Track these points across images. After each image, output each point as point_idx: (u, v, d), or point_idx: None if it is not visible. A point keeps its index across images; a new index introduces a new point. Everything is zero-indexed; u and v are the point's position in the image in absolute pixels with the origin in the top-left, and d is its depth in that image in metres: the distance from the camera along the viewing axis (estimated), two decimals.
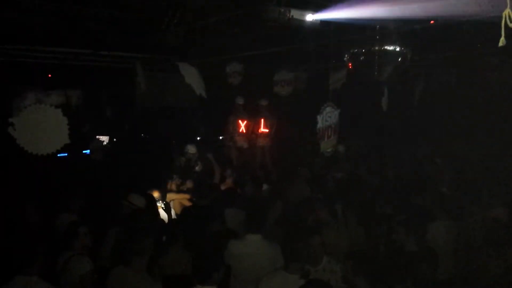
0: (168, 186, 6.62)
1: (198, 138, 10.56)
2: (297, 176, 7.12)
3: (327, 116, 6.43)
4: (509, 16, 2.65)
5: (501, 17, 2.69)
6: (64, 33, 6.80)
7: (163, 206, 5.86)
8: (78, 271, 3.66)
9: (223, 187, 6.63)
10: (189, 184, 6.90)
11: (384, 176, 7.45)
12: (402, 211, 5.02)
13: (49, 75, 9.03)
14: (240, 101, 9.47)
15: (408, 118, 9.36)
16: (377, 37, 5.54)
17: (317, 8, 5.02)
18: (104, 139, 10.18)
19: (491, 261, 4.21)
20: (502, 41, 2.86)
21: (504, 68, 7.17)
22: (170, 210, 5.98)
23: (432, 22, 6.09)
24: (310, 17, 5.19)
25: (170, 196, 6.24)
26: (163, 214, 5.66)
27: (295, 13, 5.03)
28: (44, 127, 4.92)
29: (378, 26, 5.41)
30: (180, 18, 5.73)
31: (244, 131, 9.53)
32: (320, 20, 5.14)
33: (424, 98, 8.95)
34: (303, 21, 5.14)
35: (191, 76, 7.34)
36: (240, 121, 9.52)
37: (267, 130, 9.55)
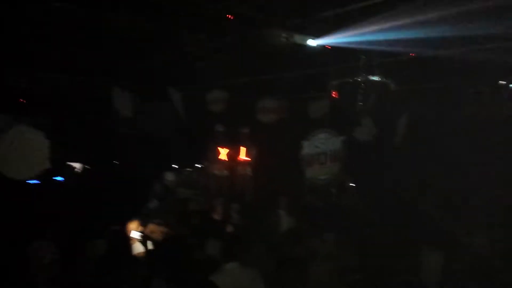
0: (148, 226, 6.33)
1: (176, 166, 10.31)
2: (279, 205, 7.00)
3: (319, 143, 6.24)
4: None
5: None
6: (40, 57, 6.61)
7: (140, 238, 5.56)
8: None
9: (215, 216, 6.47)
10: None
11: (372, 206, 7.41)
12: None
13: (22, 100, 8.70)
14: (220, 128, 9.37)
15: (392, 150, 9.29)
16: (362, 66, 5.60)
17: (318, 34, 5.00)
18: (77, 165, 9.84)
19: None
20: None
21: (481, 99, 7.32)
22: (146, 243, 5.68)
23: (412, 54, 6.25)
24: (311, 42, 5.14)
25: (150, 228, 5.94)
26: (138, 246, 5.39)
27: (297, 38, 4.98)
28: (24, 151, 4.59)
29: (364, 57, 5.48)
30: (168, 44, 5.60)
31: (225, 158, 9.40)
32: (320, 45, 5.10)
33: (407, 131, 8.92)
34: (304, 46, 5.10)
35: (177, 102, 7.18)
36: (220, 148, 9.39)
37: (247, 158, 9.44)
